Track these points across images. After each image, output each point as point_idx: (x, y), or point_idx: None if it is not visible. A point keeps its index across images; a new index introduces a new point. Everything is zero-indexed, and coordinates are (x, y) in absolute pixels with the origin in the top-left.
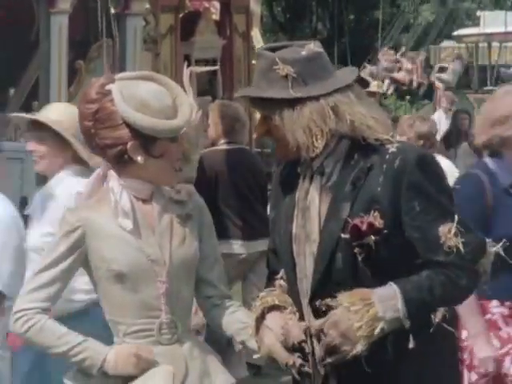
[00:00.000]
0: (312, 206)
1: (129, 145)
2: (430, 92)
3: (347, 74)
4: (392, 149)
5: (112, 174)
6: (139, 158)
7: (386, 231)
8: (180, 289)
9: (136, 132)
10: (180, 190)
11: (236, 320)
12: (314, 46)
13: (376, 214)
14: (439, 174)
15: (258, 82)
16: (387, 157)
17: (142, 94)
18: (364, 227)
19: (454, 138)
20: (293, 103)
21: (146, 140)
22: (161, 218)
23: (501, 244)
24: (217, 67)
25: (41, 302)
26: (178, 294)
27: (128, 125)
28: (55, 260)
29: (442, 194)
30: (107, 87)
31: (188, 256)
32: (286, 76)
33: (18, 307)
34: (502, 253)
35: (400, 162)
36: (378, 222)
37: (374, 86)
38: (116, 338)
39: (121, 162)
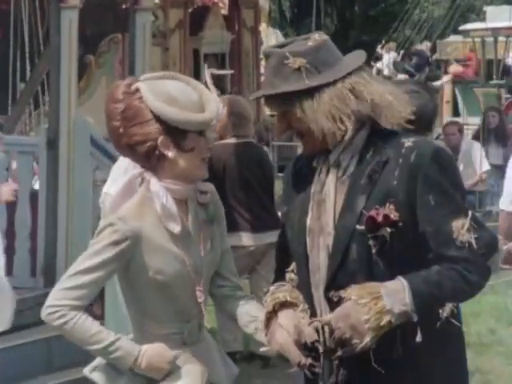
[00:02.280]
0: (327, 198)
1: (159, 140)
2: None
3: (356, 56)
4: (408, 143)
5: (150, 176)
6: (170, 154)
7: (400, 224)
8: (207, 291)
9: (166, 126)
10: (206, 192)
11: (245, 312)
12: (318, 36)
13: (391, 206)
14: (454, 170)
15: (271, 80)
16: (403, 151)
17: (170, 90)
18: (380, 219)
19: (482, 136)
20: (311, 93)
21: (176, 134)
22: (194, 223)
23: None
24: (232, 71)
25: (75, 300)
26: (206, 298)
27: (158, 120)
28: (98, 265)
29: (457, 190)
30: (133, 86)
31: (215, 262)
32: (299, 68)
33: (52, 302)
34: None
35: (416, 157)
36: (394, 215)
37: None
38: (137, 332)
39: (152, 159)
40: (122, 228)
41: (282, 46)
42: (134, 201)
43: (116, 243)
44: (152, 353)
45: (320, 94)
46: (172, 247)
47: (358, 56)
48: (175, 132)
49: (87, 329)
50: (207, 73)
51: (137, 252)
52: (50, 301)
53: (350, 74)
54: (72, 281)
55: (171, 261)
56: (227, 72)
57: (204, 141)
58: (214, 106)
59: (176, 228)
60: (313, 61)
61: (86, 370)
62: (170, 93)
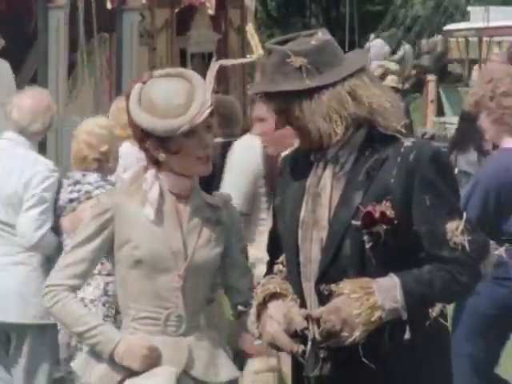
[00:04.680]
0: (323, 192)
1: (147, 143)
2: (420, 85)
3: (358, 56)
4: (407, 143)
5: (152, 166)
6: (160, 156)
7: (395, 222)
8: (195, 286)
9: (147, 132)
10: (216, 196)
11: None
12: (322, 35)
13: (388, 204)
14: (451, 172)
15: (272, 76)
16: (402, 150)
17: (153, 95)
18: (377, 215)
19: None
20: (310, 93)
21: (160, 138)
22: (192, 217)
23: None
24: (252, 59)
25: (69, 279)
26: (191, 291)
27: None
28: (85, 239)
29: (452, 192)
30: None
31: (209, 258)
32: (300, 67)
33: (48, 282)
34: (504, 255)
35: (415, 157)
36: (390, 212)
37: (389, 80)
38: (125, 322)
39: (148, 156)
40: (104, 201)
41: (284, 41)
42: (135, 183)
43: (99, 215)
44: (132, 340)
45: (319, 96)
46: (152, 226)
47: (361, 56)
48: (157, 136)
49: (74, 311)
50: (214, 65)
51: (117, 226)
52: (46, 282)
53: (351, 75)
54: (66, 259)
55: (149, 238)
56: (243, 61)
57: (192, 141)
58: (195, 110)
59: (150, 215)
60: (314, 61)
61: (73, 364)
62: (151, 99)
